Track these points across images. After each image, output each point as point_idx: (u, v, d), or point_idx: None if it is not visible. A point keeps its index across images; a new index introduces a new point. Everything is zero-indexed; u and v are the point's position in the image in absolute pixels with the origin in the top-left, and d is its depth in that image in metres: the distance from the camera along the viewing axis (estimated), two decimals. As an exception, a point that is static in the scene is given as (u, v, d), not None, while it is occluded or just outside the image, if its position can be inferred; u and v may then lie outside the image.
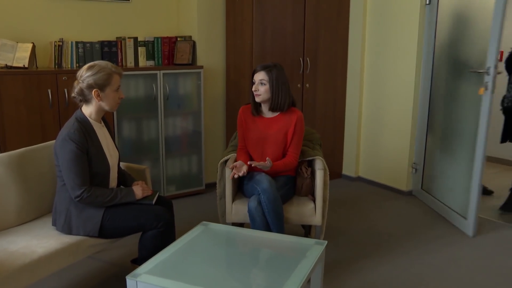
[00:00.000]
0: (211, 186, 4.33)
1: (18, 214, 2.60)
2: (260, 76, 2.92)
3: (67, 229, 2.48)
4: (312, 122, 4.58)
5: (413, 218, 3.93)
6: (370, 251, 3.31)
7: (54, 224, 2.55)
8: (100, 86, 2.46)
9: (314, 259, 2.05)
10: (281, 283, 1.88)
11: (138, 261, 2.61)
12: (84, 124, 2.48)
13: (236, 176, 2.82)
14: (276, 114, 3.01)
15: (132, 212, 2.54)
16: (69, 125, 2.46)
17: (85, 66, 2.49)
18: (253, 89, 2.94)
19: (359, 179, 4.91)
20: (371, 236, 3.58)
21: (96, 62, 2.51)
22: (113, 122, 3.84)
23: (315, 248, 2.17)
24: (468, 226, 3.58)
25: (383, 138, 4.58)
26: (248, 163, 2.86)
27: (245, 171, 2.82)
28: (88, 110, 2.53)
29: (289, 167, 3.00)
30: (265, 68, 2.93)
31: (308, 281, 2.18)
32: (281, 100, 2.94)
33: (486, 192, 4.40)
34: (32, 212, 2.69)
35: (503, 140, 4.13)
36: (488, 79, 3.31)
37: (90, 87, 2.45)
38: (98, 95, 2.47)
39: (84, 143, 2.43)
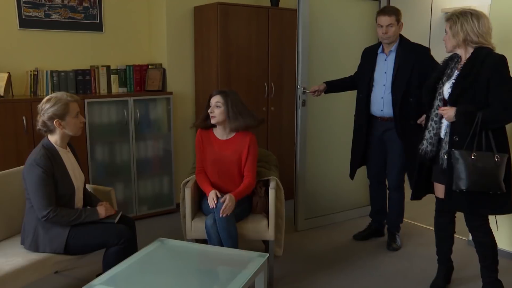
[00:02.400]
0: (182, 206, 4.55)
1: (-11, 234, 2.80)
2: (216, 99, 3.18)
3: (34, 247, 2.69)
4: (278, 143, 4.84)
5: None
6: (326, 265, 3.54)
7: (22, 243, 2.76)
8: (60, 115, 2.70)
9: (254, 269, 2.29)
10: (221, 291, 2.12)
11: None
12: (50, 151, 2.71)
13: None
14: (230, 136, 3.26)
15: (96, 230, 2.76)
16: (35, 152, 2.70)
17: (44, 100, 2.74)
18: (209, 111, 3.20)
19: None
20: (329, 251, 3.81)
21: (53, 94, 2.76)
22: (86, 146, 4.07)
23: (256, 260, 2.41)
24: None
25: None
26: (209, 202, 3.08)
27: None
28: (53, 138, 2.77)
29: (250, 189, 3.23)
30: (220, 92, 3.20)
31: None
32: (240, 122, 3.18)
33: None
34: (3, 233, 2.89)
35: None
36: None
37: (51, 118, 2.69)
38: (59, 124, 2.71)
39: (50, 167, 2.65)
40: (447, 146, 2.83)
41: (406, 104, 3.51)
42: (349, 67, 4.08)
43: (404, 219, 3.96)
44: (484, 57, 2.71)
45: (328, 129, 4.33)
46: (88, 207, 2.97)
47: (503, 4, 3.50)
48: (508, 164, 2.75)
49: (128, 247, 2.76)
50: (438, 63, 3.30)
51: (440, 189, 2.98)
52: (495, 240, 2.93)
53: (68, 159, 2.83)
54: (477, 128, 2.67)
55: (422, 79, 3.41)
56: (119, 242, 2.72)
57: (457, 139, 2.77)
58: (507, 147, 2.77)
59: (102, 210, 2.84)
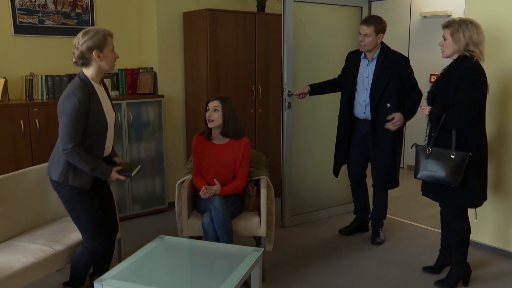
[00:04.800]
0: (174, 204, 4.71)
1: (-5, 234, 2.94)
2: (214, 103, 3.36)
3: (63, 178, 2.73)
4: (265, 144, 5.04)
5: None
6: (313, 259, 3.76)
7: (49, 173, 2.81)
8: (99, 46, 2.71)
9: (250, 262, 2.49)
10: (222, 282, 2.32)
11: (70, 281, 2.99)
12: (87, 85, 2.72)
13: (207, 196, 3.26)
14: (226, 141, 3.44)
15: (92, 214, 2.81)
16: (74, 85, 2.68)
17: (81, 33, 2.73)
18: (207, 114, 3.37)
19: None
20: (316, 246, 4.03)
21: (90, 27, 2.75)
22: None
23: (252, 254, 2.61)
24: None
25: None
26: (200, 193, 3.30)
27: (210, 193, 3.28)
28: (89, 72, 2.76)
29: (238, 189, 3.43)
30: (218, 98, 3.38)
31: (248, 285, 2.62)
32: (231, 127, 3.37)
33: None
34: (10, 232, 3.02)
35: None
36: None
37: (90, 49, 2.69)
38: (98, 56, 2.72)
39: (87, 101, 2.66)
40: (427, 140, 3.20)
41: (383, 109, 3.73)
42: (331, 71, 4.30)
43: (387, 215, 4.19)
44: (460, 64, 2.97)
45: (312, 130, 4.54)
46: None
47: (478, 9, 3.72)
48: (473, 162, 2.99)
49: (96, 252, 2.87)
50: (413, 72, 3.68)
51: None
52: (467, 227, 3.24)
53: (103, 96, 2.82)
54: (439, 127, 3.00)
55: (400, 86, 3.66)
56: (93, 241, 2.81)
57: (433, 134, 3.10)
58: (475, 147, 3.02)
59: (114, 175, 2.82)
